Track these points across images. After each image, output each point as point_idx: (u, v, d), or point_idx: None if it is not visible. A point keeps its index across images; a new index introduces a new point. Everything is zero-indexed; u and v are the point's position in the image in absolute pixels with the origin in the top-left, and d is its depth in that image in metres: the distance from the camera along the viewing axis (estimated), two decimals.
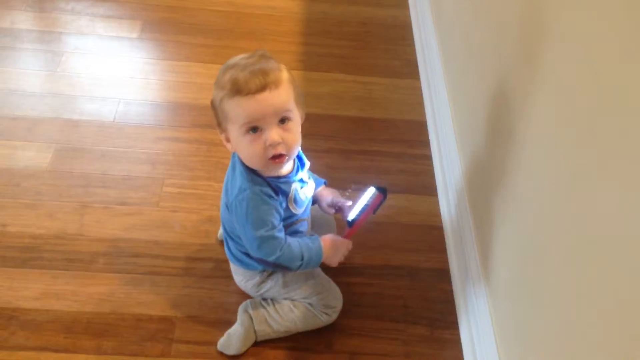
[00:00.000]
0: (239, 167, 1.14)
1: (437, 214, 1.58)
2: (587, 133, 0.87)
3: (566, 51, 0.96)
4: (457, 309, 1.38)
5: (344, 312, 1.32)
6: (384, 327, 1.34)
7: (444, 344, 1.33)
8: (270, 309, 1.27)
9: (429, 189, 1.64)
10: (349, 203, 1.28)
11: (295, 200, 1.18)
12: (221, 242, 1.45)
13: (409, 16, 2.21)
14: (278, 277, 1.27)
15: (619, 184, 0.78)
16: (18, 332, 1.25)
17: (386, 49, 2.08)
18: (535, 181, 1.05)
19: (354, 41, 2.10)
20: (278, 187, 1.14)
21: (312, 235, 1.24)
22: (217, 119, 1.12)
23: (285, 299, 1.28)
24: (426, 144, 1.76)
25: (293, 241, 1.18)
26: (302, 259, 1.18)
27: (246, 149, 1.09)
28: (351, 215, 1.26)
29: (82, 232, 1.44)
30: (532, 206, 1.06)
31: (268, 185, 1.13)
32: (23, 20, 2.02)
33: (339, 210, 1.30)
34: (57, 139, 1.65)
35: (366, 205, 1.26)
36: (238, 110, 1.05)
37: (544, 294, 1.01)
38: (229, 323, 1.29)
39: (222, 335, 1.27)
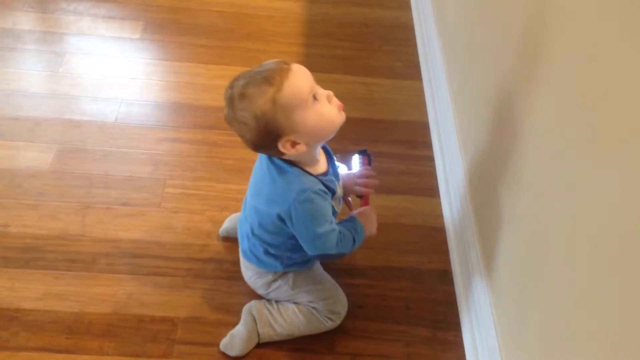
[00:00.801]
0: (289, 171, 1.12)
1: (440, 215, 1.58)
2: (590, 133, 0.87)
3: (569, 51, 0.96)
4: (459, 311, 1.38)
5: (346, 314, 1.32)
6: (386, 328, 1.34)
7: (447, 345, 1.33)
8: (275, 312, 1.27)
9: (431, 190, 1.63)
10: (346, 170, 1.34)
11: (338, 199, 1.21)
12: (223, 238, 1.45)
13: (411, 17, 2.21)
14: (289, 278, 1.27)
15: (622, 183, 0.78)
16: (20, 333, 1.25)
17: (388, 50, 2.08)
18: (538, 182, 1.05)
19: (355, 42, 2.10)
20: (328, 186, 1.15)
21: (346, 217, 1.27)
22: (276, 131, 1.06)
23: (292, 301, 1.28)
24: (428, 145, 1.75)
25: (342, 228, 1.19)
26: (354, 241, 1.20)
27: (323, 117, 1.08)
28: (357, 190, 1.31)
29: (84, 232, 1.44)
30: (534, 207, 1.06)
31: (321, 182, 1.14)
32: (25, 21, 2.02)
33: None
34: (59, 140, 1.65)
35: (361, 169, 1.33)
36: (297, 88, 1.04)
37: (546, 295, 1.00)
38: (231, 324, 1.29)
39: (224, 336, 1.27)
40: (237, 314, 1.30)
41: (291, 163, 1.13)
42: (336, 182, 1.20)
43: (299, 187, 1.11)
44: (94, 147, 1.64)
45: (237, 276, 1.37)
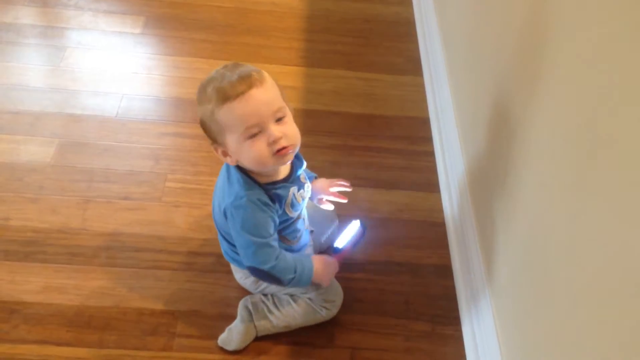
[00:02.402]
0: (235, 175, 1.13)
1: (440, 211, 1.58)
2: (590, 131, 0.87)
3: (570, 49, 0.96)
4: (459, 305, 1.38)
5: (345, 308, 1.32)
6: (385, 322, 1.34)
7: (446, 340, 1.33)
8: (270, 304, 1.28)
9: (432, 186, 1.64)
10: (338, 200, 1.32)
11: (292, 205, 1.18)
12: None
13: (412, 13, 2.21)
14: None
15: (622, 183, 0.78)
16: (20, 326, 1.26)
17: (389, 45, 2.08)
18: (538, 177, 1.05)
19: (356, 38, 2.10)
20: (275, 195, 1.13)
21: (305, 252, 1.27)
22: (210, 135, 1.10)
23: (285, 294, 1.28)
24: (429, 140, 1.75)
25: (287, 254, 1.18)
26: (295, 272, 1.17)
27: (250, 153, 1.06)
28: (337, 243, 1.29)
29: (85, 226, 1.45)
30: (534, 203, 1.06)
31: (265, 192, 1.12)
32: (26, 16, 2.02)
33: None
34: (60, 134, 1.65)
35: (353, 237, 1.29)
36: (233, 116, 1.03)
37: (545, 289, 1.00)
38: (231, 317, 1.29)
39: (223, 329, 1.27)
40: (237, 308, 1.30)
41: (239, 168, 1.13)
42: (291, 189, 1.16)
43: (236, 193, 1.11)
44: (95, 141, 1.64)
45: None
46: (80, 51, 1.92)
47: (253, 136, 1.05)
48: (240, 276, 1.32)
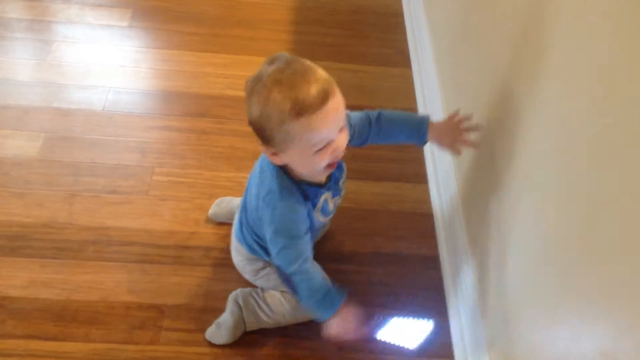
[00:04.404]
0: (267, 169, 1.09)
1: (427, 202, 1.58)
2: (579, 115, 0.87)
3: (559, 38, 0.95)
4: (446, 296, 1.39)
5: None
6: (373, 314, 1.34)
7: (433, 331, 1.32)
8: (260, 300, 1.27)
9: (419, 177, 1.64)
10: None
11: (322, 209, 1.15)
12: (212, 225, 1.45)
13: (400, 4, 2.20)
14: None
15: (620, 179, 0.78)
16: (6, 321, 1.25)
17: (378, 37, 2.07)
18: (524, 168, 1.05)
19: (345, 29, 2.09)
20: (307, 193, 1.10)
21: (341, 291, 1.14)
22: (265, 137, 1.00)
23: (279, 289, 1.28)
24: None
25: (319, 272, 1.12)
26: (317, 291, 1.10)
27: (312, 163, 1.01)
28: (381, 334, 1.16)
29: (72, 220, 1.44)
30: (520, 193, 1.06)
31: (298, 189, 1.08)
32: (13, 9, 2.00)
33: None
34: (46, 128, 1.64)
35: (403, 345, 1.17)
36: (309, 131, 0.95)
37: (530, 281, 1.01)
38: (219, 311, 1.29)
39: (211, 322, 1.27)
40: (225, 301, 1.30)
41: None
42: (325, 194, 1.13)
43: (267, 188, 1.08)
44: (82, 135, 1.64)
45: (225, 263, 1.37)
46: (67, 45, 1.90)
47: (321, 149, 0.99)
48: (241, 259, 1.30)
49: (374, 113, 1.18)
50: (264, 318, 1.26)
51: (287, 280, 1.17)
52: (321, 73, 0.98)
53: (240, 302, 1.27)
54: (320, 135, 0.97)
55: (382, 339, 1.15)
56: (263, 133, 1.00)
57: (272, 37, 2.02)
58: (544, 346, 0.94)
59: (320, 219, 1.17)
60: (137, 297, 1.32)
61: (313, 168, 1.04)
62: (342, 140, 1.01)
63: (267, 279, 1.28)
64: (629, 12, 0.73)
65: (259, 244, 1.23)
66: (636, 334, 0.70)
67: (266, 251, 1.22)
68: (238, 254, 1.32)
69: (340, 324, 1.11)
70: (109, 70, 1.84)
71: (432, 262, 1.45)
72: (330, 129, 0.98)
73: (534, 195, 1.00)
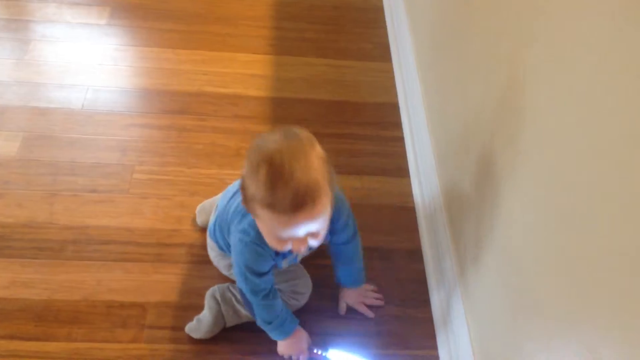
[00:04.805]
0: (248, 216, 1.11)
1: (409, 195, 1.58)
2: (557, 104, 0.88)
3: (544, 29, 0.96)
4: (429, 289, 1.39)
5: (317, 295, 1.33)
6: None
7: (417, 322, 1.34)
8: (238, 294, 1.27)
9: (401, 171, 1.64)
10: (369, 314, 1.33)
11: (288, 262, 1.23)
12: (194, 224, 1.44)
13: None
14: None
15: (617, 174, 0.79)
16: None
17: (358, 32, 2.07)
18: (506, 158, 1.06)
19: (326, 25, 2.09)
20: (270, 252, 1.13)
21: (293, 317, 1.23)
22: (243, 195, 1.02)
23: None
24: (398, 126, 1.76)
25: (278, 304, 1.18)
26: (272, 320, 1.18)
27: (269, 242, 1.06)
28: (331, 354, 1.25)
29: (52, 220, 1.43)
30: (502, 184, 1.07)
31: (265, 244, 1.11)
32: None
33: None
34: (25, 127, 1.63)
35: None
36: (274, 223, 0.99)
37: (512, 270, 1.01)
38: (201, 307, 1.29)
39: (193, 319, 1.27)
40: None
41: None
42: (281, 262, 1.20)
43: (246, 226, 1.11)
44: (61, 134, 1.62)
45: (207, 260, 1.36)
46: (45, 44, 1.88)
47: (285, 240, 1.03)
48: (215, 255, 1.32)
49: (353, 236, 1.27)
50: (243, 312, 1.26)
51: (247, 303, 1.19)
52: (313, 171, 0.96)
53: (218, 297, 1.27)
54: (282, 233, 1.00)
55: None
56: (243, 190, 1.02)
57: (252, 34, 2.02)
58: (524, 340, 0.95)
59: (284, 265, 1.23)
60: (119, 295, 1.31)
61: (274, 247, 1.07)
62: (303, 246, 1.03)
63: None
64: None
65: (227, 245, 1.24)
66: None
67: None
68: (211, 250, 1.33)
69: (288, 346, 1.23)
70: (87, 68, 1.82)
71: (415, 255, 1.46)
72: (295, 232, 1.00)
73: (517, 187, 1.01)
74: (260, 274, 1.14)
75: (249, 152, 1.00)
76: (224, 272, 1.31)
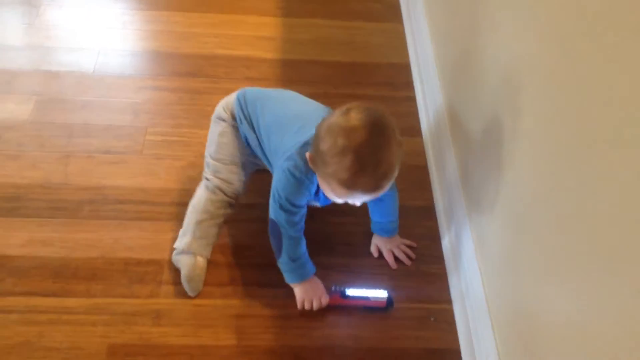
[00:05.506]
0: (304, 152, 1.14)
1: (422, 154, 1.58)
2: (573, 71, 0.87)
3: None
4: (442, 245, 1.40)
5: (332, 251, 1.35)
6: (371, 263, 1.36)
7: (430, 278, 1.35)
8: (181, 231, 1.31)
9: (414, 130, 1.64)
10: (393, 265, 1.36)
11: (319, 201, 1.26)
12: None
13: None
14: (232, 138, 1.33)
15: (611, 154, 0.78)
16: (6, 279, 1.26)
17: None
18: (517, 119, 1.05)
19: None
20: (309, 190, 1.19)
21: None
22: (314, 159, 1.09)
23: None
24: (410, 86, 1.75)
25: (303, 246, 1.23)
26: (297, 258, 1.22)
27: (327, 193, 1.13)
28: (350, 292, 1.27)
29: (67, 181, 1.44)
30: (514, 143, 1.07)
31: (311, 182, 1.17)
32: None
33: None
34: (37, 91, 1.63)
35: (367, 297, 1.27)
36: (342, 190, 1.06)
37: (526, 225, 1.01)
38: (217, 263, 1.30)
39: (210, 275, 1.29)
40: (222, 253, 1.32)
41: (303, 151, 1.15)
42: (312, 201, 1.25)
43: (298, 161, 1.15)
44: (73, 97, 1.63)
45: None
46: (55, 8, 1.88)
47: (339, 198, 1.12)
48: (224, 127, 1.35)
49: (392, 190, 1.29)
50: (190, 228, 1.29)
51: (274, 236, 1.22)
52: (393, 159, 1.04)
53: (179, 258, 1.28)
54: (345, 197, 1.10)
55: (346, 303, 1.27)
56: (316, 156, 1.07)
57: None
58: (536, 291, 0.96)
59: (317, 204, 1.28)
60: (136, 253, 1.32)
61: (328, 197, 1.15)
62: (361, 203, 1.16)
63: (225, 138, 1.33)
64: None
65: (252, 127, 1.29)
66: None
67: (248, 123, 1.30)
68: (220, 121, 1.35)
69: (307, 290, 1.24)
70: (97, 32, 1.82)
71: (428, 213, 1.46)
72: (357, 201, 1.13)
73: (527, 146, 1.00)
74: (298, 206, 1.19)
75: (331, 126, 1.04)
76: (211, 137, 1.35)
